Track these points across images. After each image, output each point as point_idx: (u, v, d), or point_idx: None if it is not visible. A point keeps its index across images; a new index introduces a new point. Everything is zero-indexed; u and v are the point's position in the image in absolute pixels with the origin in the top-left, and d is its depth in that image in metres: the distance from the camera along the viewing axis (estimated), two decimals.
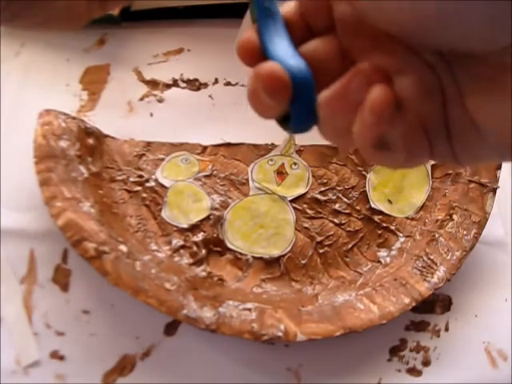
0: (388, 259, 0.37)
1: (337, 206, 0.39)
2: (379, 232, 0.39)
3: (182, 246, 0.37)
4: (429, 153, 0.19)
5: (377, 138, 0.17)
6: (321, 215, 0.39)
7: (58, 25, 0.26)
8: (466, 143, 0.18)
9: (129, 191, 0.38)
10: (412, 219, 0.39)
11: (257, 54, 0.20)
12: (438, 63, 0.17)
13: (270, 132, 0.42)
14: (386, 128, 0.17)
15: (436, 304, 0.37)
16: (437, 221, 0.38)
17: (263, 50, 0.20)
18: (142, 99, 0.43)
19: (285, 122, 0.21)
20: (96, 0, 0.25)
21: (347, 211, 0.39)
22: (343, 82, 0.18)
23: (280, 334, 0.32)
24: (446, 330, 0.37)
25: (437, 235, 0.37)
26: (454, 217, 0.37)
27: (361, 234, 0.38)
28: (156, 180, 0.39)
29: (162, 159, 0.40)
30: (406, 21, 0.16)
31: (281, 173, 0.40)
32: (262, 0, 0.20)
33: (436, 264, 0.35)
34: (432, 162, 0.40)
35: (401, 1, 0.16)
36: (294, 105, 0.19)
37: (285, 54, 0.19)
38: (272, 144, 0.41)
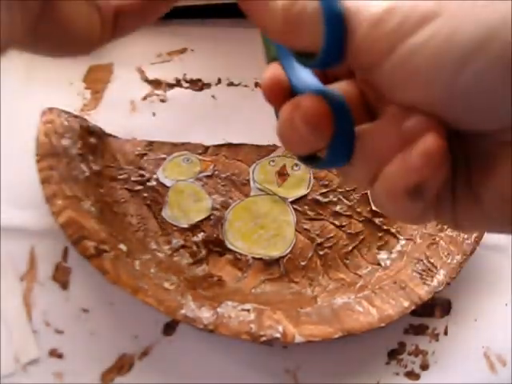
0: (388, 262, 0.37)
1: (337, 208, 0.39)
2: (380, 234, 0.38)
3: (182, 246, 0.37)
4: (434, 215, 0.19)
5: (416, 183, 0.16)
6: (321, 217, 0.39)
7: (72, 49, 0.27)
8: (469, 214, 0.18)
9: (130, 190, 0.38)
10: None
11: (285, 90, 0.19)
12: (454, 138, 0.17)
13: (271, 133, 0.42)
14: (430, 175, 0.16)
15: (435, 308, 0.37)
16: (437, 224, 0.37)
17: (292, 85, 0.19)
18: (144, 99, 0.43)
19: (309, 159, 0.20)
20: (109, 28, 0.27)
21: (348, 213, 0.39)
22: (397, 116, 0.17)
23: (278, 335, 0.32)
24: (445, 333, 0.36)
25: (437, 238, 0.37)
26: None
27: (361, 237, 0.38)
28: (157, 179, 0.39)
29: (164, 159, 0.40)
30: (423, 101, 0.16)
31: (282, 174, 0.40)
32: None
33: (436, 267, 0.35)
34: None
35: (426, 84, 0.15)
36: (333, 139, 0.18)
37: (316, 87, 0.19)
38: (274, 145, 0.41)
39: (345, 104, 0.18)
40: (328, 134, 0.18)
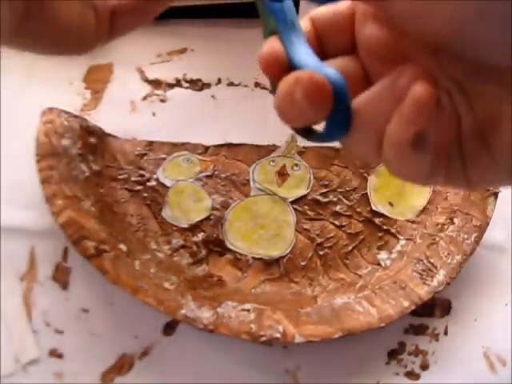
0: (388, 262, 0.37)
1: (337, 208, 0.39)
2: (380, 234, 0.38)
3: (182, 246, 0.37)
4: (444, 174, 0.19)
5: (415, 133, 0.17)
6: (321, 217, 0.39)
7: (68, 48, 0.27)
8: (479, 167, 0.18)
9: (130, 190, 0.38)
10: (413, 222, 0.39)
11: (282, 64, 0.19)
12: (456, 93, 0.17)
13: (271, 133, 0.42)
14: (425, 124, 0.17)
15: (435, 308, 0.37)
16: (437, 224, 0.37)
17: (290, 59, 0.19)
18: (144, 99, 0.43)
19: (306, 131, 0.20)
20: (106, 27, 0.27)
21: (348, 213, 0.39)
22: (389, 80, 0.18)
23: (278, 335, 0.32)
24: (445, 333, 0.36)
25: (437, 239, 0.37)
26: (455, 220, 0.37)
27: (361, 237, 0.38)
28: (157, 179, 0.39)
29: (164, 159, 0.40)
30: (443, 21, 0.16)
31: (282, 174, 0.40)
32: (284, 13, 0.20)
33: (436, 267, 0.35)
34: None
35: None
36: (331, 114, 0.18)
37: (315, 64, 0.19)
38: (274, 145, 0.41)
39: (342, 78, 0.18)
40: (328, 108, 0.18)
